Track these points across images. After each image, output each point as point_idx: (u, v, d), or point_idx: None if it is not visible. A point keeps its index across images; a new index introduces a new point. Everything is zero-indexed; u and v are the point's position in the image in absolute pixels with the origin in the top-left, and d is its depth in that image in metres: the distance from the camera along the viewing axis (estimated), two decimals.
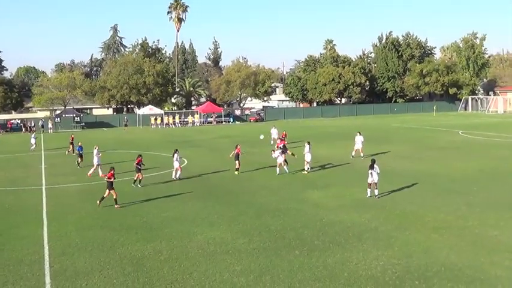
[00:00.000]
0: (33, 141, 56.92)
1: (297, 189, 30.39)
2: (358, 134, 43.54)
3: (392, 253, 18.31)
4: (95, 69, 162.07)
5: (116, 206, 26.49)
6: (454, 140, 55.03)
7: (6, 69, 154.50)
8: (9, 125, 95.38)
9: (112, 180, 26.94)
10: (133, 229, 22.29)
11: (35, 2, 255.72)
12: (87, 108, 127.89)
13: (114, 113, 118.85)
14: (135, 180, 32.69)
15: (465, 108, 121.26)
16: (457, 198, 26.76)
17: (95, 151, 38.51)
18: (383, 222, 22.38)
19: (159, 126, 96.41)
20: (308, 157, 36.15)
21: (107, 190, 26.81)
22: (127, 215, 24.96)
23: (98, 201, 26.94)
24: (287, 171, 35.74)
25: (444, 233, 20.60)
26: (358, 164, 38.99)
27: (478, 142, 53.32)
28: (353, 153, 43.23)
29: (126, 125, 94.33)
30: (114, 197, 26.75)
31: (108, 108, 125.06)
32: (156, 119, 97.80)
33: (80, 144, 44.38)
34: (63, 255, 19.02)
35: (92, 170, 37.69)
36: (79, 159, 42.89)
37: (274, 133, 55.46)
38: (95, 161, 38.08)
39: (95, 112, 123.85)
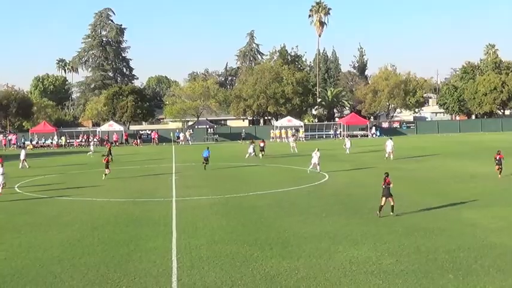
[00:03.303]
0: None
1: (451, 208, 29.46)
2: None
3: None
4: (229, 78, 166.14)
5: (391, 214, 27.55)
6: None
7: (137, 78, 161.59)
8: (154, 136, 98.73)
9: (390, 185, 27.74)
10: (269, 245, 22.43)
11: (168, 10, 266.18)
12: (221, 120, 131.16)
13: (250, 125, 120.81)
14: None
15: None
16: None
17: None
18: None
19: (284, 140, 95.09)
20: None
21: (383, 198, 27.62)
22: (262, 230, 25.19)
23: (376, 212, 27.62)
24: None
25: None
26: None
27: None
28: None
29: (243, 139, 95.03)
30: (392, 204, 27.64)
31: (243, 120, 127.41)
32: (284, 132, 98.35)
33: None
34: (192, 269, 19.44)
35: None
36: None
37: (389, 146, 56.76)
38: None
39: (230, 124, 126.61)
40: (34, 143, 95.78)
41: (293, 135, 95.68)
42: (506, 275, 18.06)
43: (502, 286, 17.10)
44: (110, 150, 62.16)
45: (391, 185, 27.71)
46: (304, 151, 58.41)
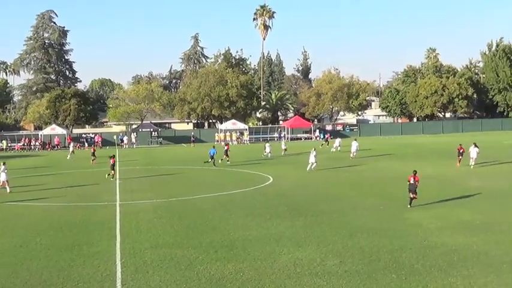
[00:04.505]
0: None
1: (395, 209, 29.84)
2: (473, 145, 48.80)
3: (503, 280, 17.65)
4: (174, 81, 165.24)
5: None
6: None
7: (80, 81, 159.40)
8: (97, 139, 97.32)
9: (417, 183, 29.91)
10: (213, 247, 22.40)
11: (112, 13, 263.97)
12: (165, 123, 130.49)
13: (195, 128, 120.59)
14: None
15: None
16: None
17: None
18: (493, 246, 21.63)
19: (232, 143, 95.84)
20: None
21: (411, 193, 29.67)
22: (207, 233, 25.15)
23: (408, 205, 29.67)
24: None
25: None
26: (464, 183, 38.17)
27: None
28: (472, 163, 47.90)
29: (193, 141, 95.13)
30: (412, 198, 29.80)
31: (188, 123, 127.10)
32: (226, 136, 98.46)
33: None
34: (136, 273, 19.29)
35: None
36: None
37: (354, 146, 59.51)
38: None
39: (174, 127, 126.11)
40: None
41: (238, 138, 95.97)
42: (447, 274, 18.37)
43: (443, 285, 17.38)
44: (94, 152, 62.81)
45: (417, 183, 29.98)
46: (246, 156, 58.39)
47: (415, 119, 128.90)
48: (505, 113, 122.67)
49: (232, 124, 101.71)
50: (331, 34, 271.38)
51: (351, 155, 58.81)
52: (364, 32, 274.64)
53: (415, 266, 19.31)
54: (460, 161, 48.86)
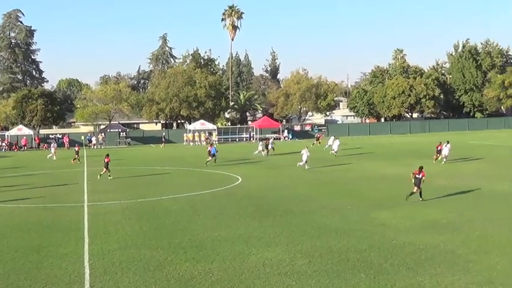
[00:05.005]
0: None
1: (363, 209, 30.01)
2: (446, 143, 51.76)
3: (470, 278, 17.82)
4: (142, 81, 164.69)
5: None
6: None
7: (47, 81, 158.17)
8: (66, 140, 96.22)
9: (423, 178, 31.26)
10: (183, 248, 22.34)
11: (80, 12, 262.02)
12: (134, 123, 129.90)
13: (163, 129, 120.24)
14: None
15: None
16: None
17: None
18: (460, 245, 21.86)
19: (197, 144, 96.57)
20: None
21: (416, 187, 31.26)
22: (176, 234, 25.06)
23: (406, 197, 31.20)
24: None
25: None
26: (432, 182, 38.48)
27: None
28: (444, 159, 50.82)
29: (163, 142, 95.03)
30: (420, 191, 31.31)
31: (156, 124, 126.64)
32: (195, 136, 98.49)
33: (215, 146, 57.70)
34: (105, 275, 19.16)
35: None
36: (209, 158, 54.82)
37: (336, 145, 61.71)
38: None
39: (143, 127, 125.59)
40: None
41: (206, 139, 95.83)
42: (415, 272, 18.51)
43: (411, 283, 17.51)
44: (77, 152, 62.91)
45: (423, 178, 31.21)
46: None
47: (382, 119, 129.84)
48: (471, 113, 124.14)
49: (200, 124, 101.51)
50: (299, 35, 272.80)
51: (334, 153, 60.90)
52: (332, 33, 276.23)
53: (383, 265, 19.43)
54: (437, 158, 51.37)
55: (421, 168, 31.49)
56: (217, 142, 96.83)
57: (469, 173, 43.92)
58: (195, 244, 23.09)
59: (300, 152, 50.88)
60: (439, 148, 52.14)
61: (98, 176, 46.12)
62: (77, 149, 64.28)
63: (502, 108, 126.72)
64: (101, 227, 27.13)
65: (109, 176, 45.89)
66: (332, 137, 69.67)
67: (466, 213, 28.14)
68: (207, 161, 55.23)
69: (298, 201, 33.07)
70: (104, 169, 46.21)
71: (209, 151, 56.54)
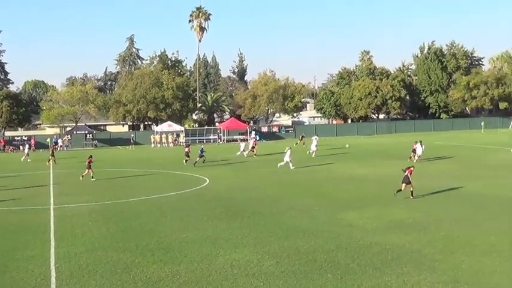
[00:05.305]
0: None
1: (331, 210, 30.14)
2: (419, 143, 53.27)
3: (436, 278, 17.99)
4: (109, 83, 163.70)
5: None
6: (505, 159, 54.35)
7: (12, 83, 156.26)
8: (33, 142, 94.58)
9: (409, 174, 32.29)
10: (150, 250, 22.25)
11: (46, 13, 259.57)
12: (100, 125, 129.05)
13: (130, 130, 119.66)
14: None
15: None
16: (509, 220, 26.34)
17: None
18: (426, 244, 22.04)
19: (165, 145, 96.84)
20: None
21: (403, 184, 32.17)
22: (143, 236, 24.94)
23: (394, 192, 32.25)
24: None
25: (495, 257, 20.18)
26: (399, 183, 38.74)
27: None
28: (416, 158, 52.38)
29: (132, 143, 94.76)
30: (411, 189, 32.12)
31: (123, 125, 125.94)
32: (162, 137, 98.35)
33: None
34: (71, 278, 19.00)
35: None
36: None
37: (314, 144, 63.14)
38: None
39: (110, 129, 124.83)
40: None
41: (174, 140, 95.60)
42: (381, 272, 18.63)
43: (378, 283, 17.62)
44: (53, 152, 62.49)
45: (410, 174, 32.31)
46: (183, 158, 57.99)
47: (349, 121, 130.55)
48: (436, 115, 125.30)
49: (168, 126, 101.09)
50: (267, 36, 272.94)
51: (311, 152, 61.96)
52: (299, 35, 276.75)
53: (350, 266, 19.53)
54: (412, 157, 52.80)
55: (408, 167, 33.28)
56: (184, 144, 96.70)
57: (436, 173, 44.33)
58: (162, 246, 23.01)
59: (287, 152, 50.70)
60: (414, 147, 53.56)
61: (80, 177, 45.90)
62: (51, 150, 64.08)
63: (467, 109, 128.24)
64: (67, 229, 26.90)
65: (92, 177, 45.63)
66: (315, 137, 68.82)
67: (432, 213, 28.42)
68: (186, 161, 56.03)
69: (267, 202, 33.12)
70: (87, 170, 46.05)
71: (186, 152, 56.57)
